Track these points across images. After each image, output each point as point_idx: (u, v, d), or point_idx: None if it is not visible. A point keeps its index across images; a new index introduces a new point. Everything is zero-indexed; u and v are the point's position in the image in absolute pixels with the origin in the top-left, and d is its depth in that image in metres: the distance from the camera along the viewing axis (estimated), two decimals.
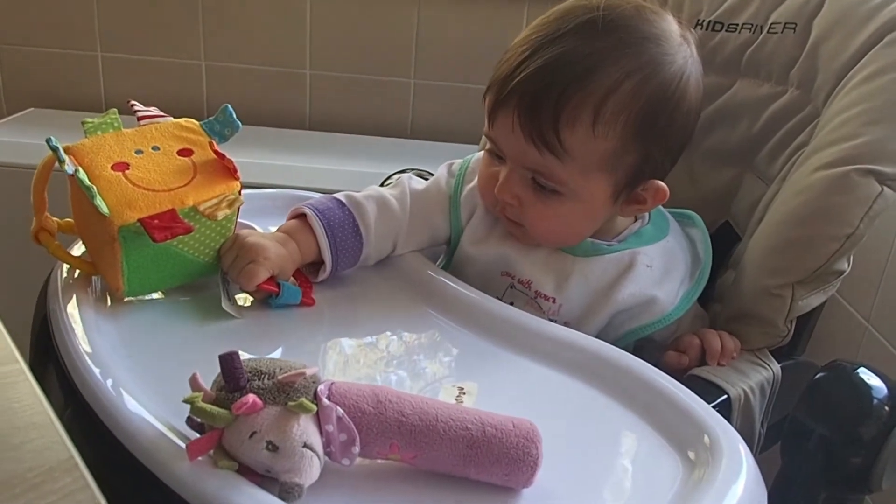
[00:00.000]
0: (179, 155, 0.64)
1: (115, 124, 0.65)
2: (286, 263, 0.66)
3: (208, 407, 0.44)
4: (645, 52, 0.65)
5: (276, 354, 0.60)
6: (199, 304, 0.66)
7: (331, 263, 0.68)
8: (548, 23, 0.66)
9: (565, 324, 0.69)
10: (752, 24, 0.82)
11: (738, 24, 0.82)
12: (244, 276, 0.63)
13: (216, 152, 0.63)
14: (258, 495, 0.42)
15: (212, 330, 0.63)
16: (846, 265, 0.72)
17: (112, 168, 0.61)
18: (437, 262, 0.78)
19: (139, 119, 0.66)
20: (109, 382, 0.51)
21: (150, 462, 0.45)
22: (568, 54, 0.63)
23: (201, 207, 0.60)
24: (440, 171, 0.78)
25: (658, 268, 0.72)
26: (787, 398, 0.70)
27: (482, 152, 0.77)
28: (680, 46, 0.67)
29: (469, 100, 1.46)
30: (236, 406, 0.43)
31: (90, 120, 0.64)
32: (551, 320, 0.68)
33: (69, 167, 0.59)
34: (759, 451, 0.70)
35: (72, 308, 0.59)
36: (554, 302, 0.71)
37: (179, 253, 0.62)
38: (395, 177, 0.79)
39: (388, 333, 0.64)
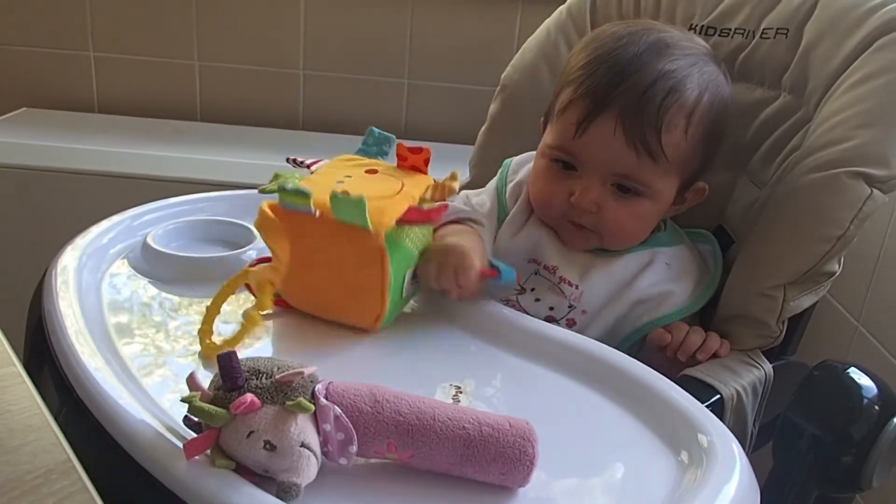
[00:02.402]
0: (368, 174, 0.65)
1: (297, 174, 0.66)
2: (483, 251, 0.69)
3: (206, 406, 0.44)
4: (710, 69, 0.73)
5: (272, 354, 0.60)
6: (197, 304, 0.66)
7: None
8: (618, 45, 0.72)
9: (583, 312, 0.74)
10: (745, 30, 0.82)
11: (730, 29, 0.83)
12: (462, 272, 0.64)
13: (400, 158, 0.66)
14: (257, 495, 0.43)
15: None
16: (837, 266, 0.73)
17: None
18: None
19: (309, 167, 0.67)
20: (105, 383, 0.51)
21: (147, 462, 0.45)
22: (656, 70, 0.70)
23: (427, 196, 0.63)
24: (491, 183, 0.83)
25: (675, 268, 0.76)
26: (779, 398, 0.70)
27: (520, 156, 0.82)
28: (720, 65, 0.75)
29: (463, 100, 1.46)
30: (234, 405, 0.43)
31: (280, 173, 0.64)
32: (570, 306, 0.73)
33: (313, 209, 0.58)
34: (752, 451, 0.71)
35: (66, 308, 0.59)
36: (577, 288, 0.74)
37: (409, 251, 0.63)
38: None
39: (385, 333, 0.65)
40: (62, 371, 0.54)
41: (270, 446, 0.43)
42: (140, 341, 0.60)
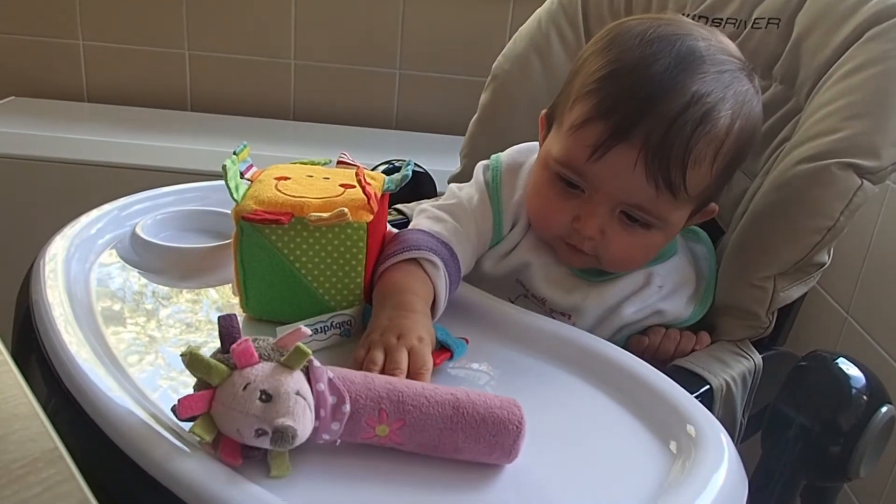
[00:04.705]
0: (340, 186, 0.62)
1: (322, 162, 0.68)
2: (430, 327, 0.59)
3: (205, 358, 0.44)
4: (744, 89, 0.66)
5: None
6: (185, 294, 0.66)
7: (441, 311, 0.63)
8: (643, 52, 0.64)
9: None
10: (737, 20, 0.82)
11: (722, 19, 0.83)
12: (422, 375, 0.53)
13: (364, 190, 0.59)
14: (243, 484, 0.42)
15: (198, 322, 0.62)
16: (827, 257, 0.73)
17: (274, 178, 0.62)
18: None
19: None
20: (93, 373, 0.51)
21: (134, 452, 0.45)
22: (688, 93, 0.62)
23: (311, 216, 0.57)
24: (478, 177, 0.75)
25: (668, 287, 0.73)
26: (768, 388, 0.71)
27: (509, 156, 0.75)
28: (752, 77, 0.68)
29: (454, 90, 1.46)
30: (234, 346, 0.44)
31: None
32: None
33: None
34: (741, 441, 0.71)
35: (54, 298, 0.59)
36: (569, 318, 0.72)
37: (296, 274, 0.59)
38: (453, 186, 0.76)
39: None
40: (50, 361, 0.53)
41: (266, 396, 0.43)
42: (128, 331, 0.60)
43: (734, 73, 0.65)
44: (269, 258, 0.59)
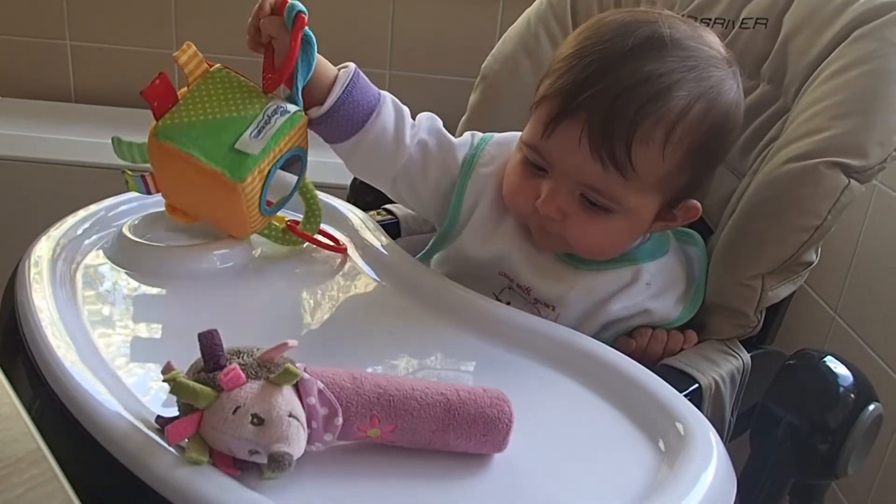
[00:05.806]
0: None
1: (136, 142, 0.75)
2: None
3: (191, 383, 0.43)
4: (711, 75, 0.65)
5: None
6: (172, 295, 0.66)
7: (335, 98, 0.71)
8: (608, 36, 0.64)
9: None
10: (725, 20, 0.83)
11: (710, 19, 0.83)
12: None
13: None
14: (229, 484, 0.42)
15: (185, 323, 0.62)
16: (814, 256, 0.73)
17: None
18: (426, 246, 0.78)
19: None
20: (79, 375, 0.50)
21: (120, 454, 0.45)
22: (641, 72, 0.62)
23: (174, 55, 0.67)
24: (465, 137, 0.75)
25: (656, 285, 0.73)
26: (757, 387, 0.71)
27: (503, 135, 0.75)
28: (732, 69, 0.68)
29: (444, 91, 1.45)
30: (222, 375, 0.43)
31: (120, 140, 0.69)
32: None
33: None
34: (729, 439, 0.71)
35: (40, 299, 0.58)
36: (553, 310, 0.72)
37: (218, 120, 0.66)
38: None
39: (354, 318, 0.65)
40: (35, 363, 0.53)
41: (258, 420, 0.43)
42: (114, 332, 0.59)
43: (703, 60, 0.65)
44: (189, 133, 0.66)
